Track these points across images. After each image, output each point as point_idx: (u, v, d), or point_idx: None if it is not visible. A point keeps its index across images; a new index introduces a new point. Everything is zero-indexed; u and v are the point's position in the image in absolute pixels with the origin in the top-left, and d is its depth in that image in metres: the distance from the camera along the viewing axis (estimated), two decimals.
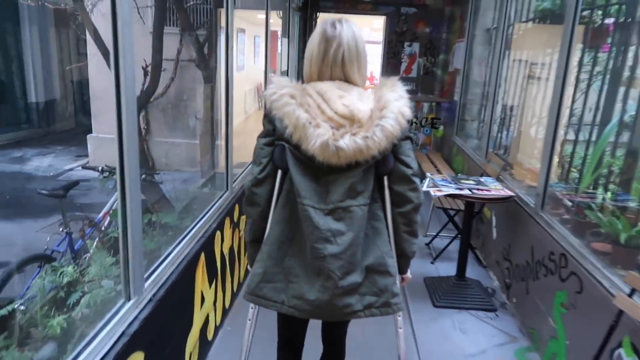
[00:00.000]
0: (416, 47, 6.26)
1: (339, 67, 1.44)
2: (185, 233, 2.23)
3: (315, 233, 1.41)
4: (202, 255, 2.22)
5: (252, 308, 1.66)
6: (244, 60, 9.08)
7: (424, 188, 2.99)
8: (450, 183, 3.06)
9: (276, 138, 1.46)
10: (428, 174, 3.32)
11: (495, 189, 2.96)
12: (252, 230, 1.59)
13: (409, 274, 1.66)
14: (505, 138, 4.46)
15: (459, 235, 3.58)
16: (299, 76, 1.68)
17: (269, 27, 4.13)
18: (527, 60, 4.08)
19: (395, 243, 1.56)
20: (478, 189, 2.93)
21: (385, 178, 1.50)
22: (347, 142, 1.35)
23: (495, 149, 4.22)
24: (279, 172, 1.50)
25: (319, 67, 1.45)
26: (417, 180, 1.49)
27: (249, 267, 1.62)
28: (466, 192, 2.89)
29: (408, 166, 1.47)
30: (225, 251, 2.68)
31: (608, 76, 2.60)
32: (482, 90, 4.98)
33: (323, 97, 1.39)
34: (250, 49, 9.88)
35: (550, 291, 2.41)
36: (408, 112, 1.42)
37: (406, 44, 6.27)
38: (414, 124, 5.93)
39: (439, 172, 4.81)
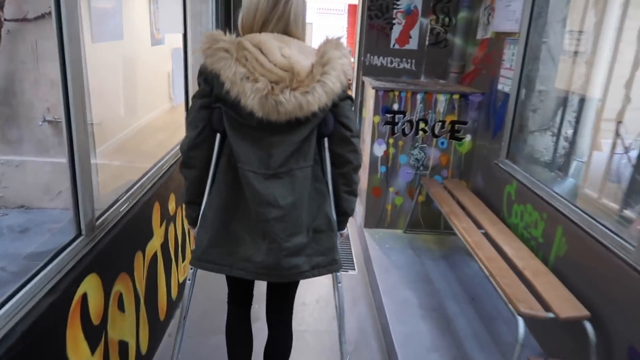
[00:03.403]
0: None
1: (283, 21, 1.41)
2: None
3: (257, 197, 1.41)
4: None
5: (190, 269, 1.63)
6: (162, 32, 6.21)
7: None
8: None
9: (213, 99, 1.42)
10: None
11: None
12: (188, 192, 1.58)
13: (346, 230, 1.70)
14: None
15: None
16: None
17: None
18: None
19: (336, 203, 1.58)
20: None
21: (326, 139, 1.51)
22: (287, 96, 1.32)
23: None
24: (218, 136, 1.49)
25: (265, 18, 1.40)
26: (356, 141, 1.51)
27: (186, 226, 1.74)
28: None
29: (348, 128, 1.48)
30: None
31: None
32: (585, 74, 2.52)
33: (261, 50, 1.33)
34: (174, 16, 7.02)
35: None
36: (350, 71, 1.42)
37: None
38: (420, 132, 3.42)
39: (479, 226, 2.35)
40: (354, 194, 1.60)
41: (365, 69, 3.84)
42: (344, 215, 1.62)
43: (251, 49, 1.32)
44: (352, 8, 15.17)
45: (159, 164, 2.35)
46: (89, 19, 3.10)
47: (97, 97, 3.61)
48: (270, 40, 1.35)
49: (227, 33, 1.37)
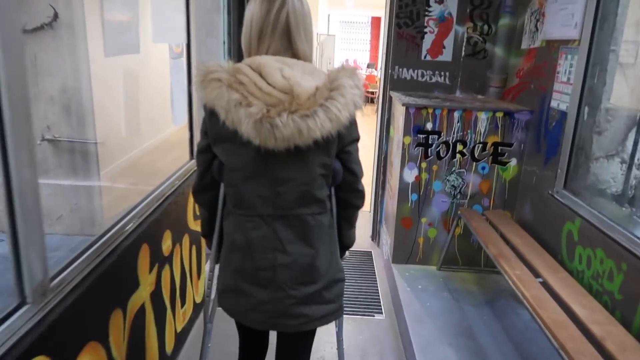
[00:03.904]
0: (452, 5, 3.31)
1: (281, 32, 1.29)
2: None
3: (263, 242, 1.33)
4: None
5: (207, 297, 1.67)
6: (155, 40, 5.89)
7: None
8: None
9: (211, 140, 1.33)
10: None
11: None
12: (202, 228, 1.60)
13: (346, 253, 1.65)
14: None
15: None
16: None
17: None
18: None
19: (338, 238, 1.51)
20: None
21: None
22: (283, 120, 1.18)
23: None
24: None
25: (260, 29, 1.30)
26: (361, 186, 1.45)
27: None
28: None
29: (356, 176, 1.42)
30: None
31: None
32: None
33: (261, 73, 1.22)
34: (174, 24, 6.68)
35: None
36: (360, 104, 1.26)
37: (433, 0, 3.32)
38: (457, 155, 2.98)
39: (535, 274, 1.89)
40: (354, 226, 1.58)
41: (393, 82, 3.44)
42: (344, 248, 1.59)
43: (249, 72, 1.23)
44: (375, 20, 14.87)
45: (148, 199, 1.97)
46: (102, 32, 2.80)
47: (103, 114, 3.26)
48: (271, 62, 1.25)
49: (225, 62, 1.28)
